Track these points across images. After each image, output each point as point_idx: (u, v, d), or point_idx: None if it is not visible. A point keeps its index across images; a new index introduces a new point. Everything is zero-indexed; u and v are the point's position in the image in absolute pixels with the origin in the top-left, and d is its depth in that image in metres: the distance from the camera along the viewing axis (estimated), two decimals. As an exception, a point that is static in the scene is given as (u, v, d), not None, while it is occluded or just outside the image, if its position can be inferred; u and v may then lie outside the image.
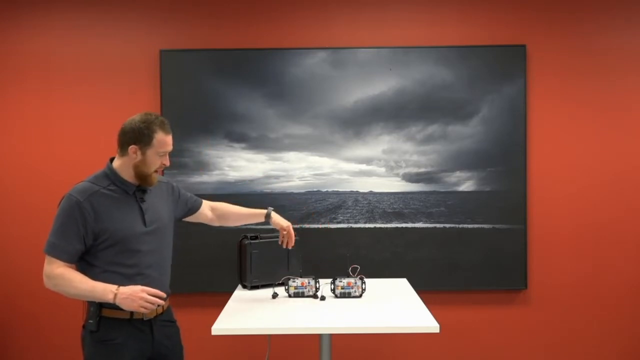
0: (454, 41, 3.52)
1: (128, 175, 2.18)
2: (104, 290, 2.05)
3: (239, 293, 2.77)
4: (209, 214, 2.61)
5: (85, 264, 2.14)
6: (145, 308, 2.06)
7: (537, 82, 3.54)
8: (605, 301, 3.58)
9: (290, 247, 2.64)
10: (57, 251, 2.09)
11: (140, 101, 3.50)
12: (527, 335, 3.60)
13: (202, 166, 3.51)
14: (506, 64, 3.50)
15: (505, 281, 3.54)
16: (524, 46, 3.50)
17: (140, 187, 2.22)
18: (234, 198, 3.49)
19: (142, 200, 2.21)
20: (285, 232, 2.61)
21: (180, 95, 3.48)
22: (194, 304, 3.43)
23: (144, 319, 2.16)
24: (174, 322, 2.35)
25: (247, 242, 2.84)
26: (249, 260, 2.81)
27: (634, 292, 3.58)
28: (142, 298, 2.04)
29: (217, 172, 3.52)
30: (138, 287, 2.07)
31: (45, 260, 2.11)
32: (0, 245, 3.57)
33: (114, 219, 2.12)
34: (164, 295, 2.12)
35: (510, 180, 3.52)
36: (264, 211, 2.62)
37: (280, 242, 2.64)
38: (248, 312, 2.41)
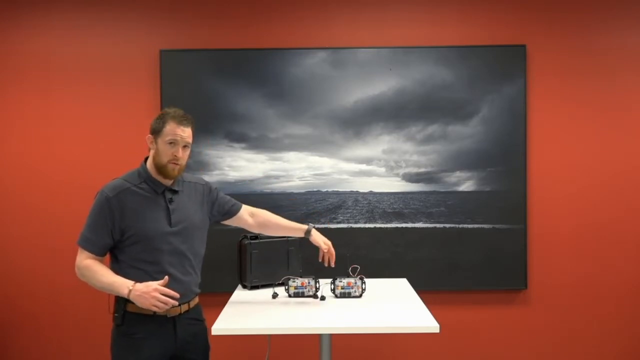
0: (454, 41, 3.52)
1: (157, 174, 2.24)
2: (121, 285, 2.11)
3: (239, 293, 2.77)
4: (249, 219, 2.60)
5: (114, 258, 2.22)
6: (157, 307, 2.07)
7: (537, 82, 3.54)
8: (605, 301, 3.58)
9: (332, 266, 2.61)
10: (87, 244, 2.18)
11: (140, 101, 3.50)
12: (527, 335, 3.60)
13: (202, 166, 3.51)
14: (506, 64, 3.50)
15: (505, 281, 3.54)
16: (524, 46, 3.50)
17: (170, 188, 2.26)
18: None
19: (171, 201, 2.25)
20: (326, 251, 2.60)
21: (180, 95, 3.48)
22: (194, 304, 3.43)
23: (168, 316, 2.20)
24: (201, 320, 2.38)
25: (247, 242, 2.84)
26: (249, 260, 2.81)
27: (634, 292, 3.58)
28: (154, 297, 2.06)
29: (217, 172, 3.52)
30: (152, 285, 2.09)
31: (78, 251, 2.20)
32: (0, 245, 3.57)
33: (139, 217, 2.17)
34: (177, 295, 2.12)
35: (510, 180, 3.52)
36: (305, 227, 2.61)
37: (320, 260, 2.63)
38: (248, 312, 2.42)
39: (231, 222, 2.60)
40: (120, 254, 2.20)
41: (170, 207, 2.24)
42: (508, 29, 3.54)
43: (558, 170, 3.56)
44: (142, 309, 2.12)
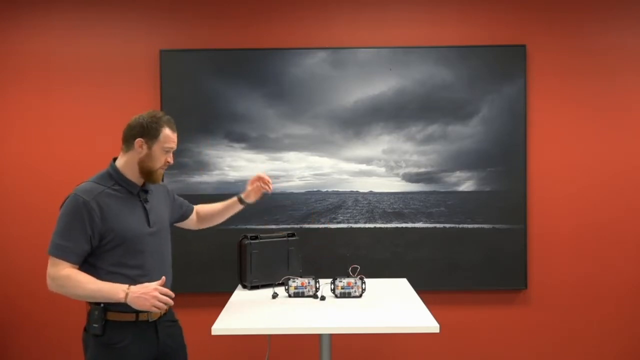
0: (454, 41, 3.52)
1: (132, 174, 2.17)
2: (114, 290, 2.02)
3: (239, 293, 2.77)
4: (195, 218, 2.60)
5: (89, 265, 2.10)
6: (158, 308, 2.02)
7: (537, 82, 3.54)
8: (605, 301, 3.58)
9: (270, 189, 2.59)
10: (63, 252, 2.05)
11: (140, 101, 3.50)
12: (527, 335, 3.60)
13: (202, 166, 3.51)
14: (506, 64, 3.50)
15: (505, 281, 3.54)
16: (524, 46, 3.50)
17: (143, 188, 2.22)
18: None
19: (146, 201, 2.21)
20: (259, 183, 2.56)
21: (180, 95, 3.48)
22: (194, 304, 3.43)
23: (149, 320, 2.15)
24: (175, 321, 2.34)
25: (247, 242, 2.84)
26: (249, 260, 2.81)
27: (634, 292, 3.58)
28: (154, 297, 2.01)
29: (217, 172, 3.53)
30: (151, 286, 2.03)
31: (49, 262, 2.07)
32: (0, 245, 3.57)
33: (119, 218, 2.10)
34: (173, 295, 2.09)
35: (510, 180, 3.52)
36: (235, 198, 2.58)
37: (267, 192, 2.60)
38: (248, 312, 2.41)
39: (182, 225, 2.57)
40: (97, 260, 2.09)
41: (147, 207, 2.20)
42: (508, 29, 3.54)
43: (558, 170, 3.56)
44: (123, 316, 2.08)
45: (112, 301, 2.04)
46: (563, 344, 3.60)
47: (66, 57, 3.54)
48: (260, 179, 2.58)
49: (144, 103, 3.48)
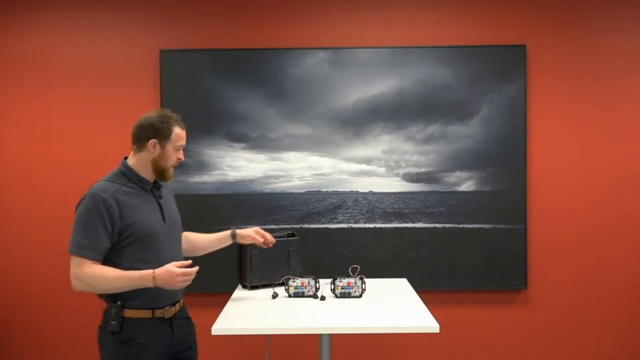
0: (454, 41, 3.52)
1: (145, 172, 2.22)
2: (141, 279, 2.07)
3: (239, 293, 2.77)
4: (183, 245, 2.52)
5: (108, 263, 2.13)
6: (185, 281, 2.09)
7: (537, 82, 3.54)
8: (605, 301, 3.58)
9: (272, 244, 2.61)
10: (85, 250, 2.07)
11: (140, 101, 3.50)
12: (527, 335, 3.60)
13: (202, 166, 3.51)
14: (506, 64, 3.50)
15: (505, 281, 3.54)
16: (524, 46, 3.50)
17: (155, 185, 2.26)
18: (234, 198, 3.50)
19: (160, 197, 2.26)
20: (262, 241, 2.58)
21: (180, 95, 3.48)
22: (194, 304, 3.40)
23: (165, 317, 2.19)
24: (189, 318, 2.38)
25: (247, 242, 2.83)
26: (249, 260, 2.80)
27: (634, 292, 3.58)
28: (178, 275, 2.06)
29: (217, 172, 3.53)
30: (172, 268, 2.08)
31: (72, 262, 2.09)
32: (0, 245, 3.57)
33: (137, 214, 2.15)
34: (190, 264, 2.13)
35: (510, 180, 3.52)
36: (228, 232, 2.57)
37: (266, 247, 2.62)
38: (248, 312, 2.41)
39: None
40: (115, 257, 2.12)
41: (161, 203, 2.26)
42: (508, 29, 3.54)
43: (558, 170, 3.56)
44: (140, 313, 2.13)
45: (142, 287, 2.09)
46: (563, 344, 3.60)
47: (66, 57, 3.54)
48: (262, 235, 2.59)
49: (144, 103, 3.48)
